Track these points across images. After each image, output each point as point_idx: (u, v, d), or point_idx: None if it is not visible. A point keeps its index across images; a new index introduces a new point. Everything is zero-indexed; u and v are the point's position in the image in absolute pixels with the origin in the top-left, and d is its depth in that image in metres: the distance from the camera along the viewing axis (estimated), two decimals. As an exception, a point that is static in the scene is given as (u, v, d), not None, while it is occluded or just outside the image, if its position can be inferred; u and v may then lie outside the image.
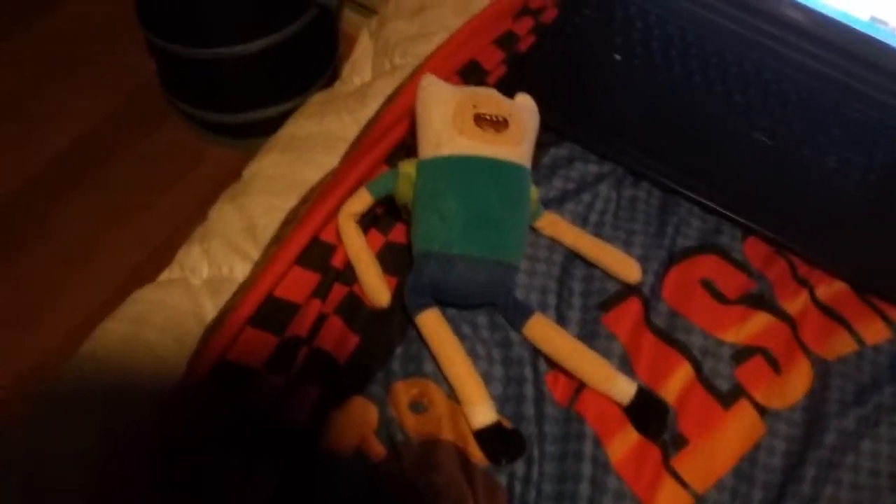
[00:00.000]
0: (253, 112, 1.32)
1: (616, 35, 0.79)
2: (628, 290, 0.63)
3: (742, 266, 0.66)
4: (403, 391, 0.56)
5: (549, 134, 0.70)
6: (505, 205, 0.59)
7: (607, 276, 0.64)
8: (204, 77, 1.29)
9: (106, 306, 0.62)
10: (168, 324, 0.60)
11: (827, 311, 0.65)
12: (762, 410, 0.59)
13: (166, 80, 1.38)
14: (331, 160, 0.70)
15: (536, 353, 0.59)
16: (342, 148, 0.71)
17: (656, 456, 0.56)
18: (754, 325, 0.63)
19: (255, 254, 0.64)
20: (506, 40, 0.78)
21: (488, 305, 0.61)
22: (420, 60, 0.76)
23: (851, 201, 0.71)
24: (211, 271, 0.65)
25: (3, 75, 1.47)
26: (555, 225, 0.65)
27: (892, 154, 0.74)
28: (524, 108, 0.63)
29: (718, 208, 0.68)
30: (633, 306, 0.62)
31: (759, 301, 0.64)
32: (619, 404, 0.57)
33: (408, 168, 0.61)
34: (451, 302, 0.59)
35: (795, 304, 0.65)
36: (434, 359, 0.57)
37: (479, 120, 0.59)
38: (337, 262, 0.61)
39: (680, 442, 0.57)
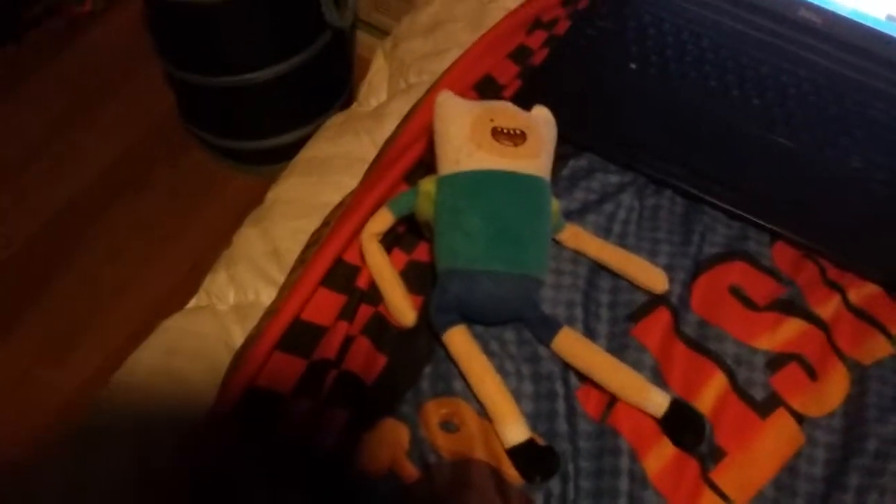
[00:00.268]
0: (272, 138, 1.34)
1: (630, 44, 0.79)
2: (656, 300, 0.62)
3: (771, 272, 0.65)
4: (434, 411, 0.56)
5: (567, 146, 0.70)
6: (526, 218, 0.58)
7: (634, 287, 0.63)
8: (221, 105, 1.30)
9: (136, 337, 0.63)
10: (197, 352, 0.61)
11: (860, 314, 0.64)
12: (800, 418, 0.58)
13: (185, 110, 1.40)
14: (350, 181, 0.70)
15: (566, 367, 0.58)
16: (361, 168, 0.71)
17: (694, 469, 0.55)
18: (787, 332, 0.62)
19: (280, 278, 0.65)
20: (520, 54, 0.78)
21: (515, 321, 0.60)
22: (435, 78, 0.77)
23: (878, 201, 0.70)
24: (237, 297, 0.65)
25: (30, 112, 1.50)
26: (578, 237, 0.64)
27: (919, 151, 0.73)
28: (541, 120, 0.63)
29: (743, 214, 0.68)
30: (662, 316, 0.61)
31: (791, 307, 0.63)
32: (653, 417, 0.56)
33: (427, 185, 0.61)
34: (477, 319, 0.59)
35: (827, 308, 0.64)
36: (463, 377, 0.57)
37: (497, 134, 0.59)
38: (362, 282, 0.61)
39: (718, 454, 0.56)
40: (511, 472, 0.53)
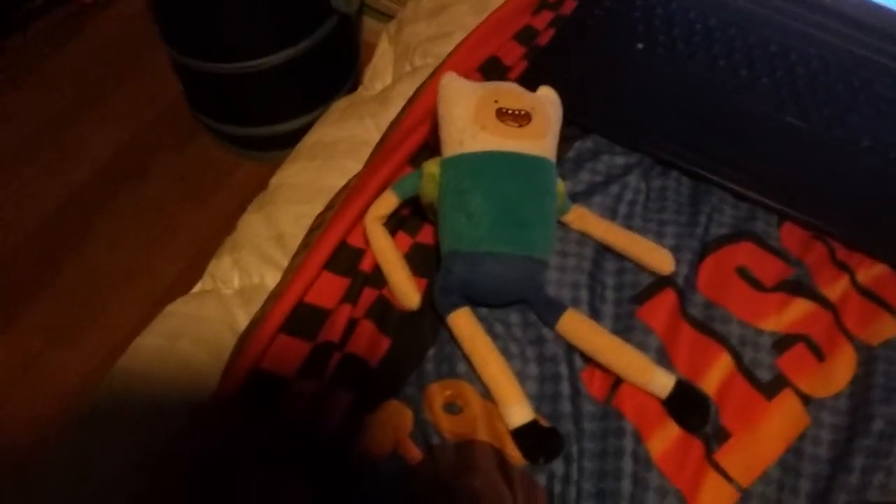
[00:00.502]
0: (279, 125, 1.34)
1: (637, 23, 0.78)
2: (662, 281, 0.62)
3: (779, 252, 0.65)
4: (437, 393, 0.56)
5: (573, 127, 0.70)
6: (531, 199, 0.58)
7: (640, 268, 0.63)
8: (228, 92, 1.30)
9: (143, 323, 0.63)
10: (202, 336, 0.61)
11: (868, 294, 0.63)
12: (806, 399, 0.57)
13: (192, 97, 1.40)
14: (355, 165, 0.70)
15: (571, 349, 0.58)
16: (366, 152, 0.71)
17: (699, 450, 0.55)
18: (794, 313, 0.61)
19: (285, 262, 0.65)
20: (525, 35, 0.77)
21: (520, 303, 0.60)
22: (440, 60, 0.76)
23: (888, 180, 0.69)
24: (242, 281, 0.65)
25: (38, 101, 1.51)
26: (583, 218, 0.64)
27: (930, 130, 0.72)
28: (547, 101, 0.62)
29: (751, 194, 0.67)
30: (668, 298, 0.61)
31: (798, 287, 0.63)
32: (657, 398, 0.56)
33: (432, 167, 0.60)
34: (481, 301, 0.59)
35: (836, 289, 0.63)
36: (467, 359, 0.56)
37: (502, 114, 0.58)
38: (366, 265, 0.61)
39: (722, 435, 0.56)
40: (514, 454, 0.53)
